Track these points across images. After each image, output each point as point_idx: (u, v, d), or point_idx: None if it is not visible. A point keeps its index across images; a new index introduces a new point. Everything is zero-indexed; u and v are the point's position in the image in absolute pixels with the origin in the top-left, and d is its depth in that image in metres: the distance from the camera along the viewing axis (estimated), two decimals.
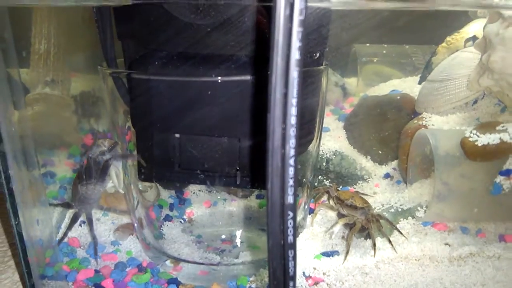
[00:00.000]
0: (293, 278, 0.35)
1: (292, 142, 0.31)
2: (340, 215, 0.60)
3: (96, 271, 0.57)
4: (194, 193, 0.74)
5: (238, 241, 0.66)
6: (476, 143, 0.55)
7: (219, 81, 0.48)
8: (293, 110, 0.30)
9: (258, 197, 0.74)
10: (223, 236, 0.67)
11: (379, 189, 0.70)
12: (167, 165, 0.53)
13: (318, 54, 0.52)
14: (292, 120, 0.31)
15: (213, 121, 0.50)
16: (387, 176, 0.73)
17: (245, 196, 0.74)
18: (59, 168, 0.71)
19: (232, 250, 0.63)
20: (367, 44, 0.95)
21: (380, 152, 0.74)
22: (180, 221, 0.69)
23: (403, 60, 0.91)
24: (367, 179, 0.71)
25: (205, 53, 0.49)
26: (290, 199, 0.32)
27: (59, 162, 0.72)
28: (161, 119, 0.50)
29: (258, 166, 0.52)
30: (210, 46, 0.48)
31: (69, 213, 0.64)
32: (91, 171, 0.56)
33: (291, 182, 0.32)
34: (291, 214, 0.32)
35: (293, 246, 0.33)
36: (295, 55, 0.29)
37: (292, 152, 0.31)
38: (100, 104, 0.85)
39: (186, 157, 0.52)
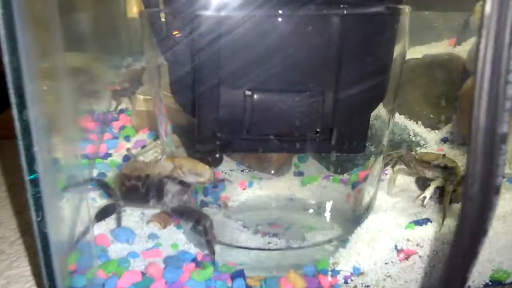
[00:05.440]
0: None
1: None
2: (421, 180, 0.53)
3: (143, 273, 0.46)
4: (225, 173, 0.64)
5: (287, 223, 0.57)
6: None
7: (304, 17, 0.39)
8: None
9: (296, 174, 0.66)
10: (275, 217, 0.58)
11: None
12: (234, 131, 0.43)
13: None
14: None
15: (292, 72, 0.41)
16: (445, 140, 0.68)
17: (282, 173, 0.66)
18: None
19: (285, 233, 0.55)
20: None
21: (431, 116, 0.68)
22: (215, 207, 0.60)
23: (425, 27, 0.86)
24: (424, 145, 0.66)
25: None
26: None
27: None
28: (230, 72, 0.40)
29: (345, 125, 0.44)
30: None
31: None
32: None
33: None
34: None
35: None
36: None
37: None
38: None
39: (258, 120, 0.43)
